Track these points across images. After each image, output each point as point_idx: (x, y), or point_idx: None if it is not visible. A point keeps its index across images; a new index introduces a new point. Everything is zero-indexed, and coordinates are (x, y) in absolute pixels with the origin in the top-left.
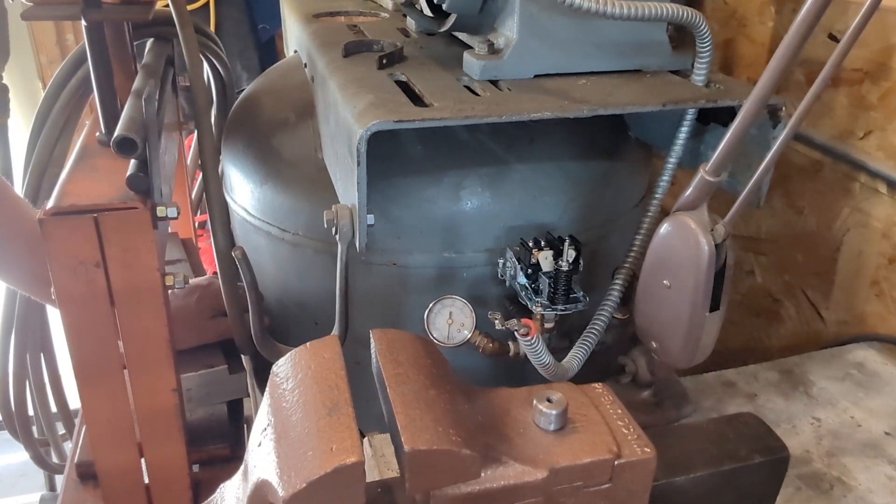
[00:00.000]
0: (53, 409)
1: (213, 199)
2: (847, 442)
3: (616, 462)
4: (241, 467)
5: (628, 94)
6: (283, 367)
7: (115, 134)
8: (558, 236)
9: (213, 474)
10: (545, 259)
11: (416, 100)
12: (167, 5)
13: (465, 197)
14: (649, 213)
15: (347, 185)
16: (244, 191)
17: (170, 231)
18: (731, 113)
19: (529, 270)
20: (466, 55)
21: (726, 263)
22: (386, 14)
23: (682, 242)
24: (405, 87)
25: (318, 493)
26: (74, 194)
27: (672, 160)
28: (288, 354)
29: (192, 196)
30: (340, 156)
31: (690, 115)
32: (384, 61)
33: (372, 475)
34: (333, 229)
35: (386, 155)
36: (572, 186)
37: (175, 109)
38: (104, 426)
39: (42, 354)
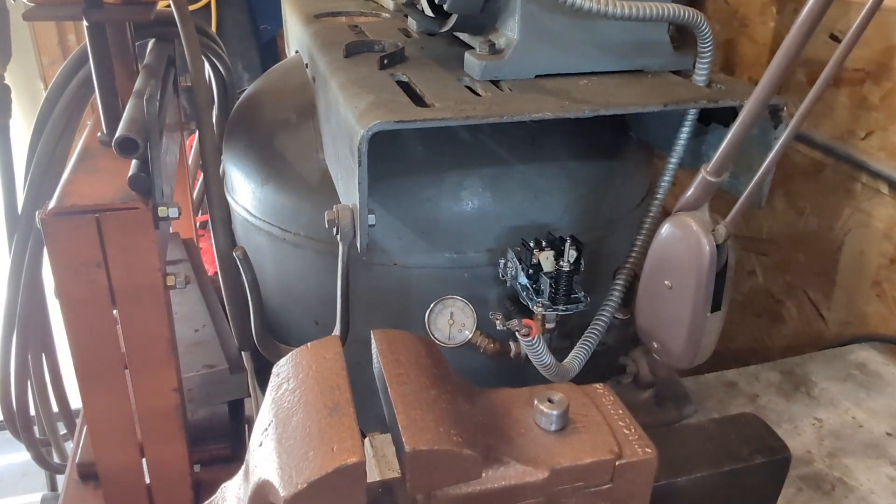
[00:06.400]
0: (55, 408)
1: (215, 199)
2: (848, 442)
3: (617, 462)
4: (243, 467)
5: (630, 95)
6: (285, 368)
7: (117, 134)
8: (559, 236)
9: (214, 474)
10: (546, 259)
11: (418, 100)
12: (169, 6)
13: (466, 197)
14: (650, 214)
15: (348, 186)
16: (245, 191)
17: (171, 231)
18: (732, 113)
19: (531, 271)
20: (467, 55)
21: (727, 264)
22: (387, 14)
23: (683, 243)
24: (406, 88)
25: (320, 493)
26: (76, 194)
27: (673, 160)
28: (289, 355)
29: (194, 196)
30: (342, 156)
31: (692, 115)
32: (385, 62)
33: (373, 475)
34: (334, 229)
35: (387, 155)
36: (573, 187)
37: (176, 110)
38: (105, 426)
39: (43, 354)
